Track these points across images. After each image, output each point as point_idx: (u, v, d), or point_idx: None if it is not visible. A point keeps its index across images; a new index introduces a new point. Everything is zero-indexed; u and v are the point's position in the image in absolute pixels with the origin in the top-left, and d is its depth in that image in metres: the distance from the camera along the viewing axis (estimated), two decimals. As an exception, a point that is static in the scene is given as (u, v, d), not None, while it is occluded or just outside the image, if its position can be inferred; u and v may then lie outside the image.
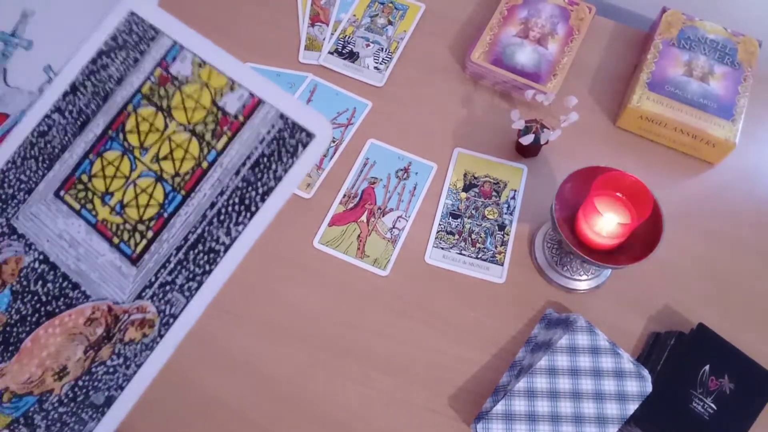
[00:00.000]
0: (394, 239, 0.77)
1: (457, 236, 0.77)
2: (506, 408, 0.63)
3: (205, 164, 0.47)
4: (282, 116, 0.45)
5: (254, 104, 0.46)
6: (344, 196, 0.80)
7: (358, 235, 0.77)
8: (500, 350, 0.71)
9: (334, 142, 0.83)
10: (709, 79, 0.83)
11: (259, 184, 0.45)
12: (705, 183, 0.82)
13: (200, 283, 0.45)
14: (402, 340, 0.71)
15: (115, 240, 0.48)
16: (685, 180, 0.82)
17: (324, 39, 0.91)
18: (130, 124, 0.49)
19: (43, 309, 0.47)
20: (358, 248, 0.76)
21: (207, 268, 0.45)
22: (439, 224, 0.78)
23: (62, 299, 0.47)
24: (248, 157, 0.46)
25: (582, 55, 0.89)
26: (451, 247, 0.77)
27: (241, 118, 0.46)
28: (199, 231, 0.46)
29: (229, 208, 0.45)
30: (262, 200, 0.44)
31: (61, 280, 0.48)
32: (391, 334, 0.72)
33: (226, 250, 0.45)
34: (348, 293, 0.74)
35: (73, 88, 0.50)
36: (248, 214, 0.45)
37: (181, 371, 0.69)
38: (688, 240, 0.78)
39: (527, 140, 0.77)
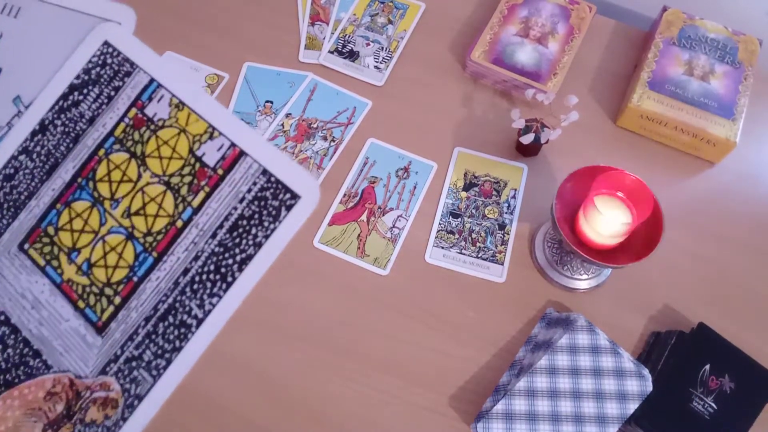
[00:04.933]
0: (394, 238, 0.77)
1: (457, 235, 0.77)
2: (506, 407, 0.63)
3: (179, 223, 0.42)
4: (265, 172, 0.41)
5: (235, 156, 0.42)
6: (344, 195, 0.80)
7: (358, 235, 0.77)
8: (500, 350, 0.71)
9: (334, 141, 0.83)
10: (710, 78, 0.83)
11: (237, 250, 0.41)
12: (705, 182, 0.82)
13: (169, 362, 0.40)
14: (402, 340, 0.71)
15: (81, 304, 0.43)
16: (686, 179, 0.82)
17: (324, 38, 0.91)
18: (101, 171, 0.45)
19: (1, 377, 0.43)
20: (358, 248, 0.76)
21: (177, 344, 0.41)
22: (440, 223, 0.78)
23: (22, 367, 0.43)
24: (226, 218, 0.41)
25: (582, 54, 0.89)
26: (451, 247, 0.76)
27: (220, 171, 0.42)
28: (170, 300, 0.41)
29: (204, 277, 0.41)
30: (240, 270, 0.41)
31: (21, 345, 0.43)
32: (391, 333, 0.72)
33: (198, 325, 0.41)
34: (348, 293, 0.74)
35: (43, 127, 0.46)
36: (224, 285, 0.41)
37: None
38: (689, 239, 0.78)
39: (527, 139, 0.77)
